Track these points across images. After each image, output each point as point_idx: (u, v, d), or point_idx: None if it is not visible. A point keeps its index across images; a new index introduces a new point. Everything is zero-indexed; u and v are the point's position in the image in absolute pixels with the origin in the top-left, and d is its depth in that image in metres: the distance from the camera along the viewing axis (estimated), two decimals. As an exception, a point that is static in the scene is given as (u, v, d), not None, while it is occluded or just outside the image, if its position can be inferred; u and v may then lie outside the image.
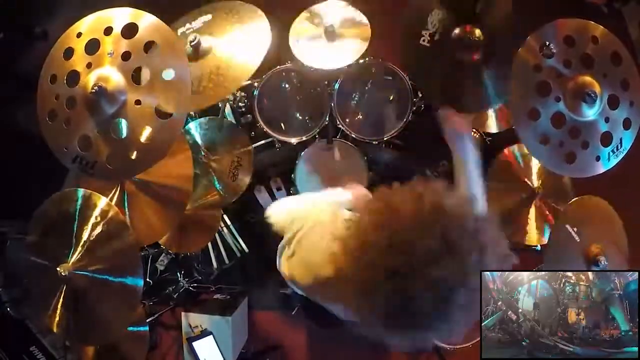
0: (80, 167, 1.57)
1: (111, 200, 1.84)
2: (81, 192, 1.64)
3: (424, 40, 1.87)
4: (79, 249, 1.63)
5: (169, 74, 1.53)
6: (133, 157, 1.53)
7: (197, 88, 1.81)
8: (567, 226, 1.75)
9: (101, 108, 1.52)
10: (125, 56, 1.53)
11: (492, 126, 2.36)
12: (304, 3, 2.23)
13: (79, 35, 1.59)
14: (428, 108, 2.37)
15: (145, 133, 1.53)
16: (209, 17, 1.96)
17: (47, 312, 1.65)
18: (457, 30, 1.88)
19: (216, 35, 1.90)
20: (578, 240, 1.75)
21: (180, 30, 1.95)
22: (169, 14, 1.88)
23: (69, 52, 1.58)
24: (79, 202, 1.64)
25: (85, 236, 1.63)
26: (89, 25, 1.60)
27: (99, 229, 1.62)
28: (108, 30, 1.56)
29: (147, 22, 1.56)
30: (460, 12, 1.88)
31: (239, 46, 1.86)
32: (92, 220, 1.63)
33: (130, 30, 1.55)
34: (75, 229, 1.63)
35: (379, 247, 0.92)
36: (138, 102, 1.52)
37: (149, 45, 1.53)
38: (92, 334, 1.70)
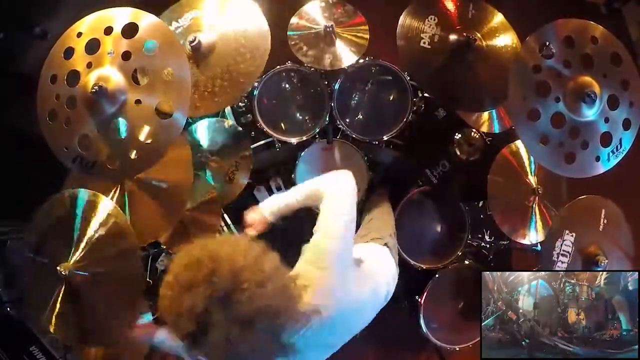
0: (80, 167, 1.57)
1: (111, 199, 1.84)
2: (84, 192, 1.64)
3: (424, 43, 1.87)
4: (80, 249, 1.62)
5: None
6: (133, 157, 1.54)
7: (212, 89, 1.81)
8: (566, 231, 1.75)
9: (101, 108, 1.52)
10: (126, 56, 1.53)
11: (492, 126, 2.36)
12: (303, 2, 2.23)
13: (79, 35, 1.58)
14: (428, 108, 2.37)
15: (145, 133, 1.54)
16: (196, 12, 1.88)
17: (47, 312, 1.65)
18: (454, 35, 1.89)
19: (214, 30, 1.85)
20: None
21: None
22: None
23: (69, 52, 1.58)
24: (82, 202, 1.63)
25: (86, 236, 1.62)
26: (89, 24, 1.59)
27: (101, 230, 1.61)
28: (108, 30, 1.55)
29: (147, 22, 1.56)
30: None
31: (241, 37, 1.83)
32: (95, 221, 1.62)
33: (130, 30, 1.55)
34: (76, 229, 1.63)
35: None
36: (138, 102, 1.52)
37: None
38: (91, 334, 1.69)
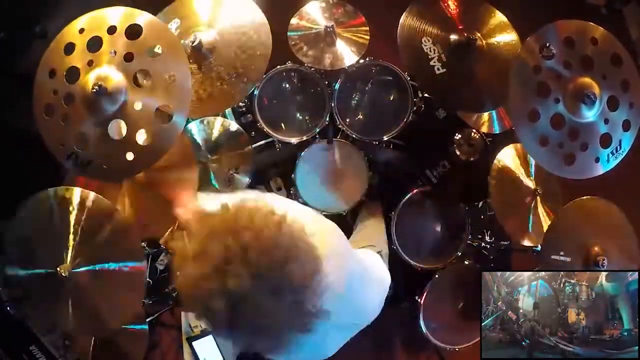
0: (74, 165, 1.54)
1: (114, 198, 1.83)
2: (51, 191, 1.61)
3: (438, 70, 1.88)
4: (72, 245, 1.60)
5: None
6: (130, 158, 1.52)
7: (213, 90, 1.81)
8: (553, 256, 1.72)
9: (100, 107, 1.51)
10: (128, 57, 1.52)
11: (492, 126, 2.36)
12: (303, 2, 2.24)
13: (81, 31, 1.56)
14: (428, 108, 2.38)
15: (144, 135, 1.53)
16: (177, 21, 1.86)
17: (51, 312, 1.64)
18: (454, 35, 1.89)
19: (215, 29, 1.86)
20: (569, 260, 1.73)
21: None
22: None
23: (69, 48, 1.56)
24: (54, 200, 1.60)
25: (72, 231, 1.60)
26: (92, 22, 1.58)
27: (83, 220, 1.59)
28: (112, 29, 1.54)
29: (151, 24, 1.55)
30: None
31: (242, 38, 1.83)
32: (74, 213, 1.59)
33: (134, 31, 1.54)
34: (60, 227, 1.60)
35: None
36: (138, 103, 1.51)
37: (152, 48, 1.53)
38: (99, 324, 1.67)
